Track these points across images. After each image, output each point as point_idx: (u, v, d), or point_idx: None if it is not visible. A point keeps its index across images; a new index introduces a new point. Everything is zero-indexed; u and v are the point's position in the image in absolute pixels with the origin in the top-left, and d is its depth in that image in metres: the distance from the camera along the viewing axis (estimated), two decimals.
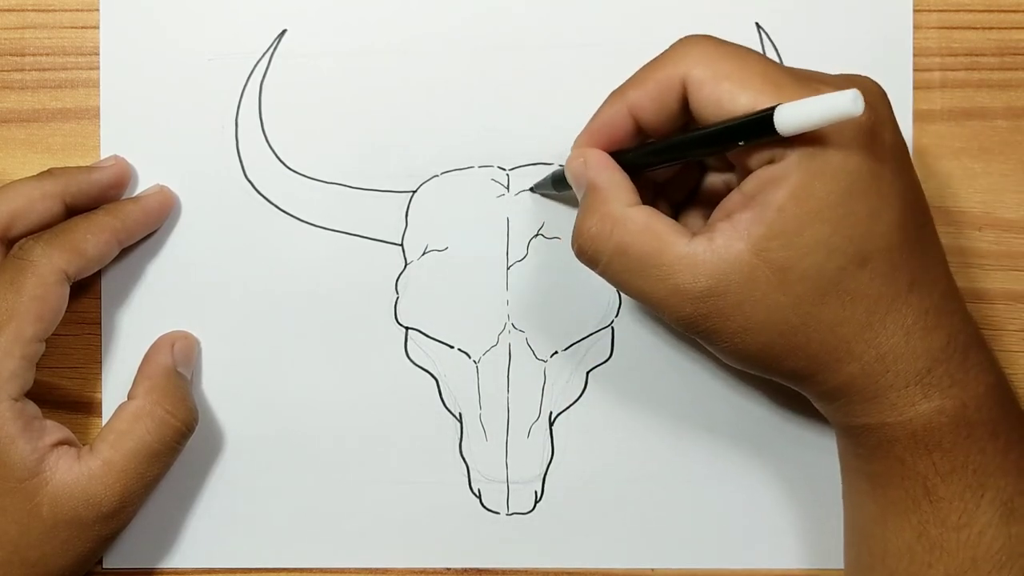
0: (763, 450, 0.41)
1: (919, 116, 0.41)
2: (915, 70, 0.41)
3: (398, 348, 0.42)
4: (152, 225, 0.41)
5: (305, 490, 0.42)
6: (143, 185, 0.42)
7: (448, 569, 0.42)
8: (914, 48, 0.41)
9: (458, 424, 0.42)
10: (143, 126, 0.42)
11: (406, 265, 0.42)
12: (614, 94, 0.35)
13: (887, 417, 0.33)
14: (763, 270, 0.31)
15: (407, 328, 0.42)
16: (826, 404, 0.35)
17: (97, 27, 0.42)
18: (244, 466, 0.42)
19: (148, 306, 0.42)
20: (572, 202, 0.41)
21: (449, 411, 0.42)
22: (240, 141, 0.42)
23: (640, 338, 0.42)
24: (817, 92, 0.29)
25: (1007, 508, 0.33)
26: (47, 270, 0.36)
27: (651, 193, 0.37)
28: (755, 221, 0.31)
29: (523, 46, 0.42)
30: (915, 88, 0.41)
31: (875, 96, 0.32)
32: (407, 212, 0.42)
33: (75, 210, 0.39)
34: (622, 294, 0.41)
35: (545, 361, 0.41)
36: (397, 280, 0.42)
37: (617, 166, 0.35)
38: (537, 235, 0.41)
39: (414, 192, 0.42)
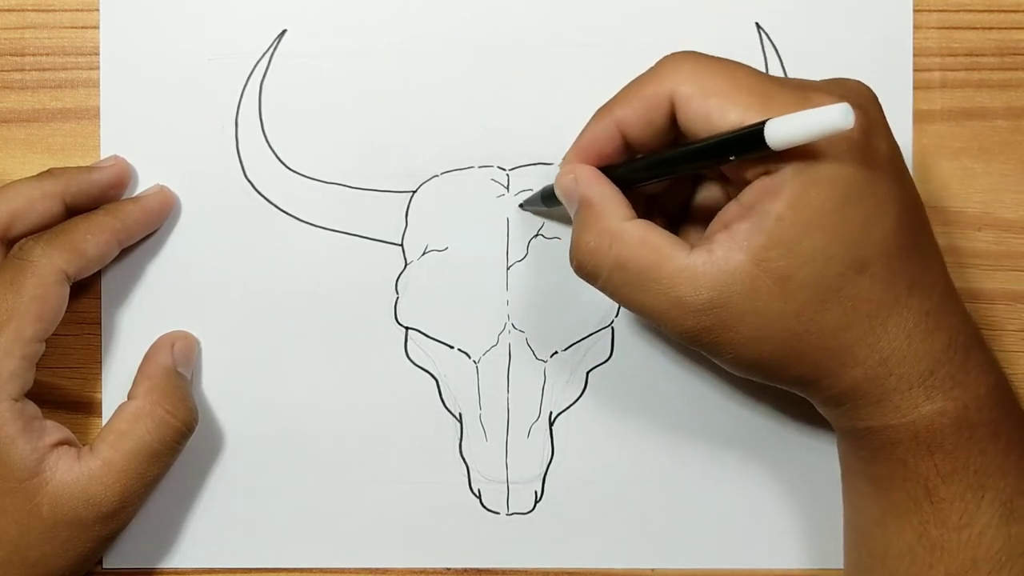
0: (763, 450, 0.41)
1: (919, 116, 0.41)
2: (915, 70, 0.41)
3: (398, 348, 0.42)
4: (152, 225, 0.41)
5: (305, 490, 0.42)
6: (143, 185, 0.41)
7: (448, 569, 0.42)
8: (914, 48, 0.41)
9: (458, 424, 0.42)
10: (143, 126, 0.42)
11: (406, 265, 0.42)
12: (601, 111, 0.35)
13: (890, 420, 0.33)
14: (764, 280, 0.31)
15: (407, 328, 0.42)
16: (830, 408, 0.35)
17: (97, 27, 0.42)
18: (244, 466, 0.42)
19: (148, 306, 0.42)
20: (564, 218, 0.41)
21: (449, 411, 0.42)
22: (240, 141, 0.42)
23: (640, 338, 0.42)
24: (808, 102, 0.29)
25: (1007, 509, 0.33)
26: (47, 270, 0.36)
27: (644, 207, 0.37)
28: (754, 231, 0.31)
29: (523, 46, 0.42)
30: (915, 88, 0.41)
31: (867, 100, 0.32)
32: (407, 212, 0.42)
33: (75, 210, 0.39)
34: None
35: (545, 361, 0.41)
36: (397, 280, 0.42)
37: (608, 181, 0.35)
38: (537, 235, 0.41)
39: (414, 192, 0.42)
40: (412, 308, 0.42)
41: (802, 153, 0.30)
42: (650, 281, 0.32)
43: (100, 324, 0.42)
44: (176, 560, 0.42)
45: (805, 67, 0.41)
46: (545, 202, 0.40)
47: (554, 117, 0.41)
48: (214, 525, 0.42)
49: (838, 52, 0.41)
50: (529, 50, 0.42)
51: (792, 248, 0.31)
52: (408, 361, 0.42)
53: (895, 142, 0.33)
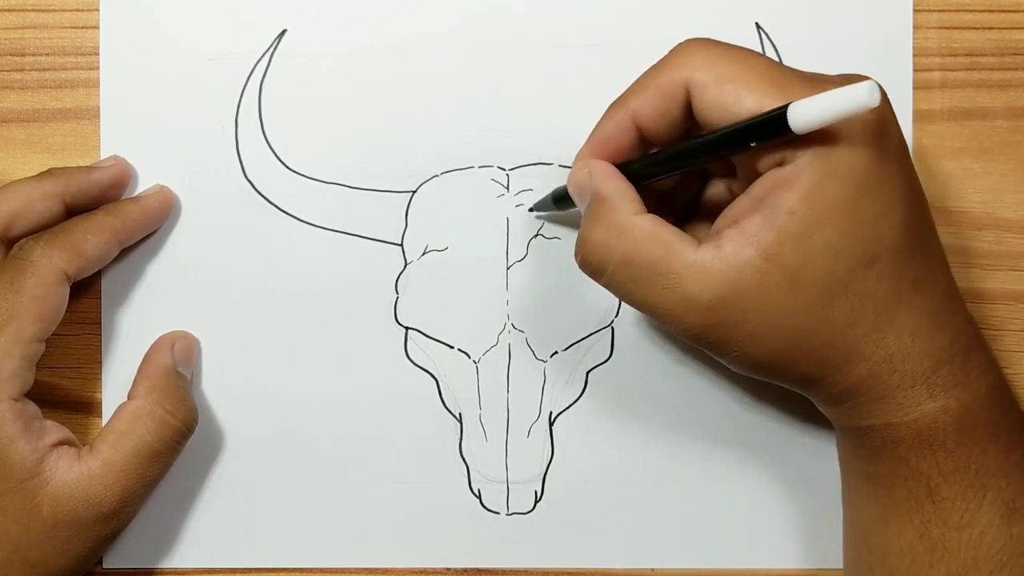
0: (763, 449, 0.41)
1: (919, 116, 0.41)
2: (915, 70, 0.41)
3: (398, 348, 0.42)
4: (152, 225, 0.41)
5: (305, 490, 0.42)
6: (143, 185, 0.42)
7: (448, 569, 0.42)
8: (914, 48, 0.41)
9: (458, 424, 0.42)
10: (143, 126, 0.42)
11: (406, 265, 0.42)
12: (615, 104, 0.35)
13: (893, 418, 0.33)
14: (774, 275, 0.31)
15: (407, 328, 0.42)
16: (832, 407, 0.35)
17: (97, 27, 0.42)
18: (244, 466, 0.42)
19: (148, 306, 0.42)
20: (573, 221, 0.41)
21: (449, 411, 0.42)
22: (240, 141, 0.42)
23: (640, 338, 0.42)
24: (823, 89, 0.29)
25: (1008, 508, 0.33)
26: (47, 270, 0.36)
27: (654, 205, 0.37)
28: (765, 226, 0.31)
29: (523, 46, 0.42)
30: (915, 88, 0.41)
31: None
32: (407, 212, 0.42)
33: (75, 210, 0.39)
34: None
35: (545, 361, 0.41)
36: (397, 280, 0.42)
37: (622, 176, 0.35)
38: (537, 235, 0.41)
39: (414, 192, 0.42)
40: (412, 308, 0.42)
41: (819, 143, 0.30)
42: (657, 276, 0.32)
43: (100, 324, 0.42)
44: (176, 560, 0.42)
45: (805, 67, 0.40)
46: (557, 204, 0.39)
47: (554, 117, 0.41)
48: (214, 525, 0.42)
49: (838, 52, 0.41)
50: (529, 50, 0.42)
51: (803, 243, 0.31)
52: (408, 361, 0.42)
53: (903, 138, 0.33)
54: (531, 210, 0.41)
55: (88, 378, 0.42)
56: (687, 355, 0.41)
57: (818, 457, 0.41)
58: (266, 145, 0.42)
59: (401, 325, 0.42)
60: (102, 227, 0.39)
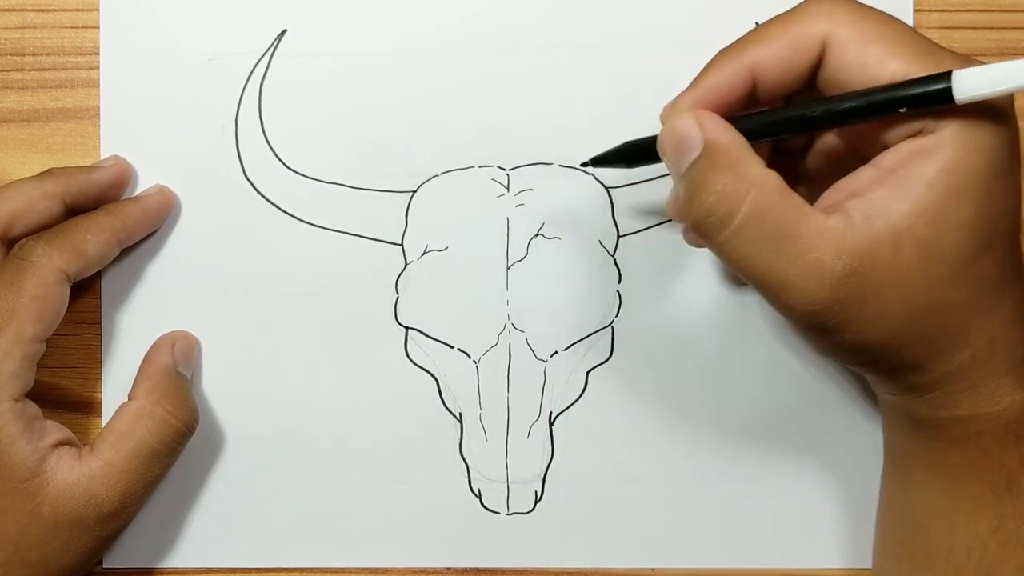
0: (762, 449, 0.41)
1: None
2: None
3: (398, 348, 0.42)
4: (152, 225, 0.41)
5: (305, 490, 0.42)
6: (143, 185, 0.41)
7: (448, 569, 0.42)
8: None
9: (458, 424, 0.42)
10: (143, 126, 0.42)
11: (406, 265, 0.42)
12: (730, 52, 0.32)
13: (982, 407, 0.31)
14: (907, 249, 0.29)
15: (407, 328, 0.42)
16: (916, 395, 0.33)
17: (97, 27, 0.42)
18: (244, 466, 0.42)
19: (148, 306, 0.42)
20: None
21: (449, 411, 0.42)
22: (240, 141, 0.42)
23: (640, 338, 0.42)
24: (971, 65, 0.28)
25: None
26: (47, 270, 0.36)
27: None
28: (898, 198, 0.29)
29: (523, 46, 0.42)
30: None
31: None
32: (407, 212, 0.42)
33: (75, 210, 0.39)
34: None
35: (545, 361, 0.41)
36: (397, 280, 0.42)
37: (736, 130, 0.31)
38: (537, 235, 0.41)
39: (414, 192, 0.42)
40: (412, 308, 0.42)
41: (964, 116, 0.29)
42: (787, 239, 0.29)
43: (100, 324, 0.42)
44: (176, 560, 0.42)
45: None
46: (627, 160, 0.35)
47: (554, 117, 0.41)
48: (214, 525, 0.42)
49: None
50: (529, 50, 0.42)
51: (939, 217, 0.29)
52: (408, 361, 0.42)
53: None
54: (584, 165, 0.38)
55: (88, 378, 0.42)
56: (687, 355, 0.41)
57: (818, 458, 0.41)
58: (266, 145, 0.42)
59: (401, 325, 0.42)
60: (102, 227, 0.39)
